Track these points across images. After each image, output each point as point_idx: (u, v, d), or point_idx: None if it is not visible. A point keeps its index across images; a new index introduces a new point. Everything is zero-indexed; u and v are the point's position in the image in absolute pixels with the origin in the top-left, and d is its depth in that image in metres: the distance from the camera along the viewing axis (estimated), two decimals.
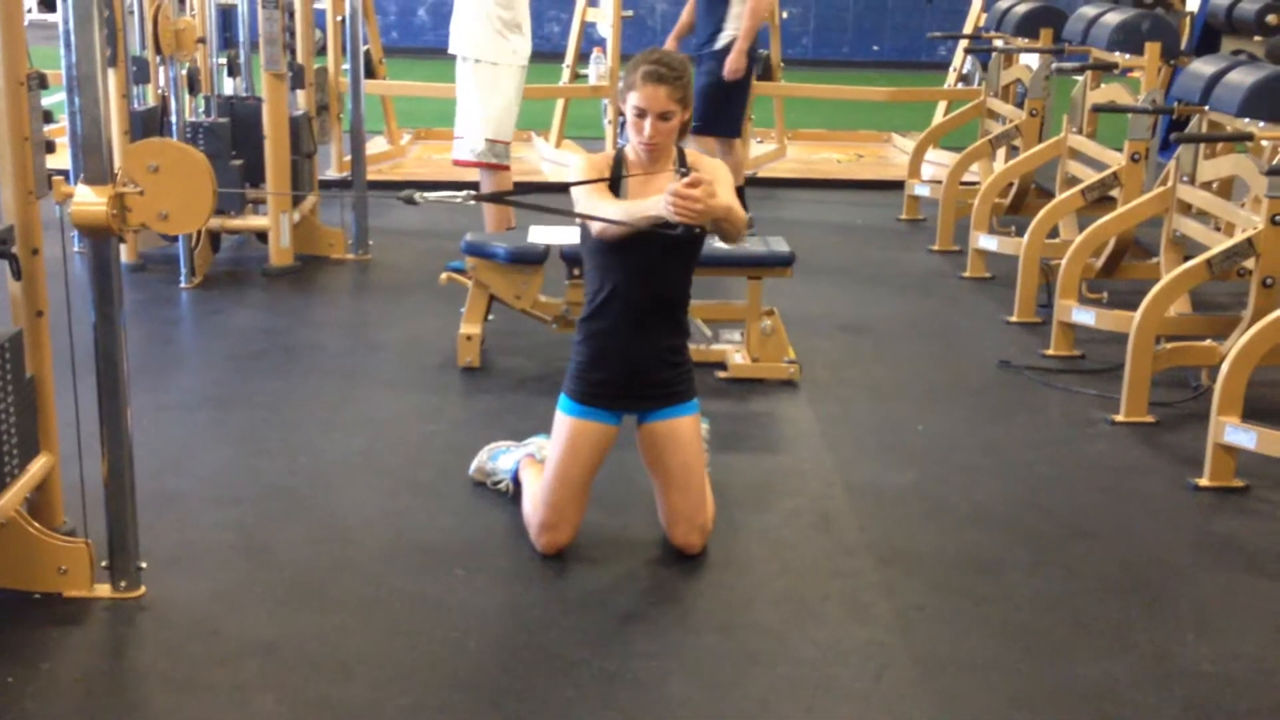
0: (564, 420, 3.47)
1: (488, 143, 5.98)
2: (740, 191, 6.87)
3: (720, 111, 6.89)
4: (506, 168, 6.08)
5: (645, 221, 3.24)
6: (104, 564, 3.18)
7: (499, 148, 6.00)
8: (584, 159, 3.56)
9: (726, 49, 6.81)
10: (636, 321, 3.42)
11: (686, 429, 3.47)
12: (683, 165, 3.44)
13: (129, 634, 3.08)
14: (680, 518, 3.46)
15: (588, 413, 3.44)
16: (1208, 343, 4.67)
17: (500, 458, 3.84)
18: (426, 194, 3.16)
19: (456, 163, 6.19)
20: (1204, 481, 4.01)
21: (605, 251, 3.40)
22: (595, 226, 3.34)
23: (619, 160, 3.47)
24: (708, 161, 3.52)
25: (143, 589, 3.19)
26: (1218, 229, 5.10)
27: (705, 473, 3.54)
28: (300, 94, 6.64)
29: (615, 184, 3.43)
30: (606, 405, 3.45)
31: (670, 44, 7.13)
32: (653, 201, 3.21)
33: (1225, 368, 4.02)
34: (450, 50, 6.09)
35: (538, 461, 3.72)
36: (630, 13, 8.98)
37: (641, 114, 3.34)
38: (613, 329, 3.43)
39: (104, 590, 3.17)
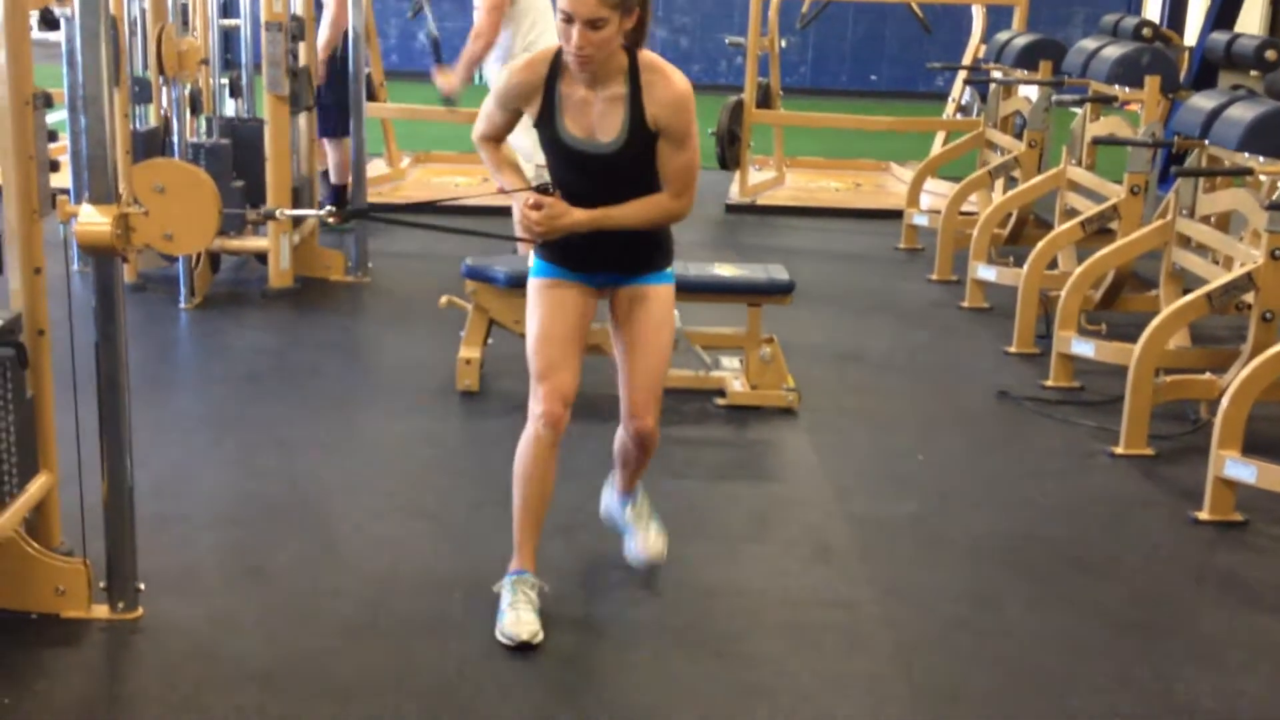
0: (535, 283, 3.24)
1: (537, 168, 6.04)
2: (340, 190, 7.44)
3: (325, 112, 7.26)
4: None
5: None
6: (102, 585, 3.17)
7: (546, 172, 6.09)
8: (520, 60, 3.21)
9: (330, 55, 7.28)
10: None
11: (654, 296, 3.23)
12: (634, 74, 3.05)
13: (125, 656, 3.07)
14: (635, 386, 3.20)
15: (560, 272, 3.22)
16: (1207, 376, 4.68)
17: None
18: (287, 211, 3.45)
19: (501, 191, 6.23)
20: (1204, 515, 4.01)
21: (549, 165, 3.28)
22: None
23: (556, 60, 3.10)
24: (664, 76, 3.07)
25: (140, 610, 3.17)
26: (1216, 262, 5.11)
27: (667, 356, 3.28)
28: (302, 116, 6.64)
29: (551, 89, 3.11)
30: (577, 266, 3.21)
31: (321, 55, 7.23)
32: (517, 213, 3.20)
33: (1225, 402, 4.02)
34: (486, 76, 6.20)
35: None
36: None
37: (568, 19, 2.92)
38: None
39: (101, 611, 3.16)
